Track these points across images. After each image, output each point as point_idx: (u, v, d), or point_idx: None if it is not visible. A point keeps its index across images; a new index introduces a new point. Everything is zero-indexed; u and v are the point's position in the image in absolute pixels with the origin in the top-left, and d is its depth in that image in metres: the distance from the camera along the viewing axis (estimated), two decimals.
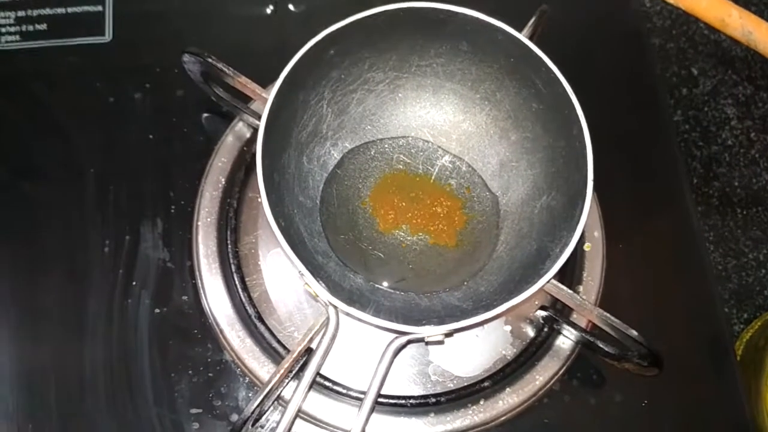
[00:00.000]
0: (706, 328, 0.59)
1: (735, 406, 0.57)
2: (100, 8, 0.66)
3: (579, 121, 0.48)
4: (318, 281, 0.45)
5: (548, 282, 0.46)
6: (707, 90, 0.89)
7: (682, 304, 0.60)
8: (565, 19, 0.66)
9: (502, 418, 0.53)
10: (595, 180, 0.47)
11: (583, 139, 0.48)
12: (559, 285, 0.49)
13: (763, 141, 0.87)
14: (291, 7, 0.67)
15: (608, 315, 0.48)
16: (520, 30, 0.52)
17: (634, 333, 0.47)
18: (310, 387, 0.46)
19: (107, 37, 0.65)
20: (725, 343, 0.59)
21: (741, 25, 0.67)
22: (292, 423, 0.45)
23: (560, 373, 0.54)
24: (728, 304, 0.81)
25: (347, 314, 0.45)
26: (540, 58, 0.50)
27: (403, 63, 0.56)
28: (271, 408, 0.51)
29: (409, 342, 0.46)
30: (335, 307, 0.46)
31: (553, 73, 0.49)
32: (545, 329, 0.55)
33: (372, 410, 0.45)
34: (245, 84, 0.54)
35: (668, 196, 0.64)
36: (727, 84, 0.89)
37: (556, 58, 0.50)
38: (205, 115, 0.62)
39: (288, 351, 0.51)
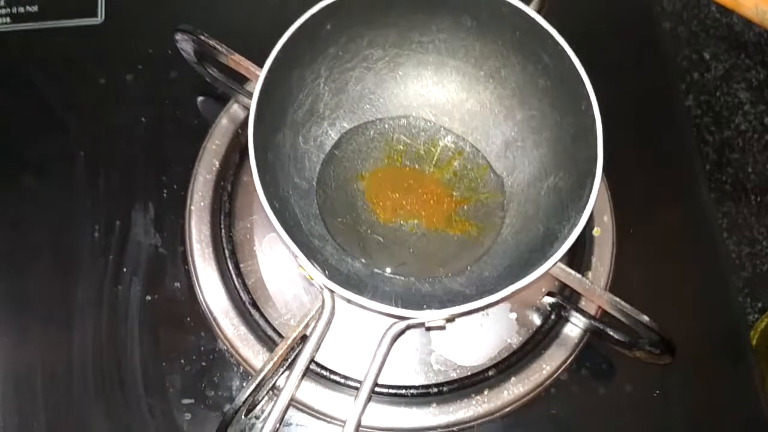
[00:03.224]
0: (719, 317, 0.58)
1: (750, 395, 0.55)
2: None
3: (588, 96, 0.46)
4: (313, 264, 0.43)
5: (555, 264, 0.44)
6: (719, 74, 0.87)
7: (695, 293, 0.58)
8: (574, 1, 0.65)
9: (507, 409, 0.51)
10: (604, 164, 0.46)
11: (593, 113, 0.46)
12: (567, 269, 0.48)
13: None
14: None
15: (618, 300, 0.47)
16: (526, 5, 0.50)
17: (646, 318, 0.46)
18: (304, 374, 0.44)
19: (99, 18, 0.64)
20: (740, 332, 0.57)
21: (755, 3, 0.64)
22: (285, 411, 0.43)
23: (568, 362, 0.53)
24: (742, 293, 0.79)
25: (344, 299, 0.43)
26: (546, 31, 0.48)
27: (403, 39, 0.54)
28: (267, 398, 0.50)
29: (408, 327, 0.44)
30: (331, 291, 0.44)
31: (561, 46, 0.47)
32: (552, 317, 0.53)
33: (369, 398, 0.44)
34: (239, 62, 0.52)
35: (681, 182, 0.62)
36: (740, 68, 0.87)
37: (564, 39, 0.48)
38: (200, 97, 0.61)
39: (284, 339, 0.49)
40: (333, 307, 0.45)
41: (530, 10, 0.49)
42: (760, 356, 0.69)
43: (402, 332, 0.44)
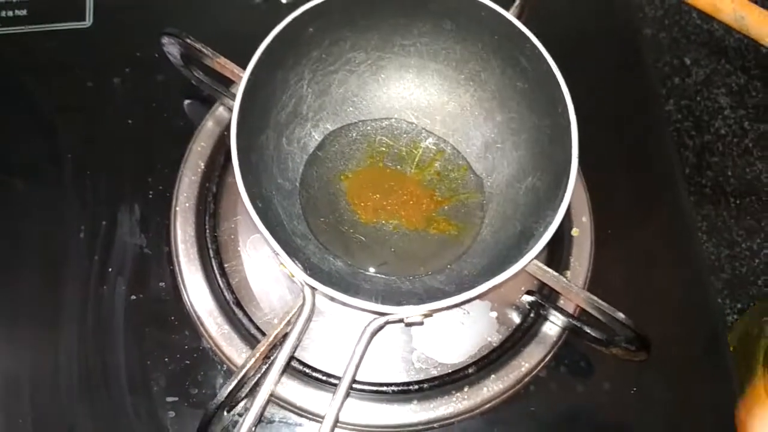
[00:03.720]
0: (698, 318, 0.58)
1: (727, 395, 0.55)
2: None
3: (564, 98, 0.47)
4: (294, 261, 0.43)
5: (531, 262, 0.44)
6: (700, 79, 0.88)
7: (674, 294, 0.59)
8: (556, 8, 0.66)
9: (487, 406, 0.52)
10: (584, 166, 0.46)
11: (568, 115, 0.47)
12: (545, 267, 0.48)
13: (756, 130, 0.86)
14: None
15: (595, 298, 0.47)
16: (506, 10, 0.51)
17: (621, 316, 0.46)
18: (284, 369, 0.45)
19: (88, 22, 0.64)
20: (718, 333, 0.58)
21: (733, 9, 0.66)
22: (265, 407, 0.44)
23: (547, 359, 0.53)
24: (721, 294, 0.79)
25: (326, 296, 0.44)
26: (524, 35, 0.49)
27: (385, 43, 0.55)
28: (249, 395, 0.50)
29: (387, 323, 0.45)
30: (311, 289, 0.45)
31: (538, 50, 0.48)
32: (532, 315, 0.54)
33: (347, 394, 0.44)
34: (224, 65, 0.53)
35: (660, 185, 0.63)
36: (720, 73, 0.88)
37: (546, 45, 0.49)
38: (186, 100, 0.61)
39: (266, 336, 0.50)
40: (313, 304, 0.46)
41: (509, 15, 0.50)
42: (737, 357, 0.69)
43: (381, 328, 0.45)
